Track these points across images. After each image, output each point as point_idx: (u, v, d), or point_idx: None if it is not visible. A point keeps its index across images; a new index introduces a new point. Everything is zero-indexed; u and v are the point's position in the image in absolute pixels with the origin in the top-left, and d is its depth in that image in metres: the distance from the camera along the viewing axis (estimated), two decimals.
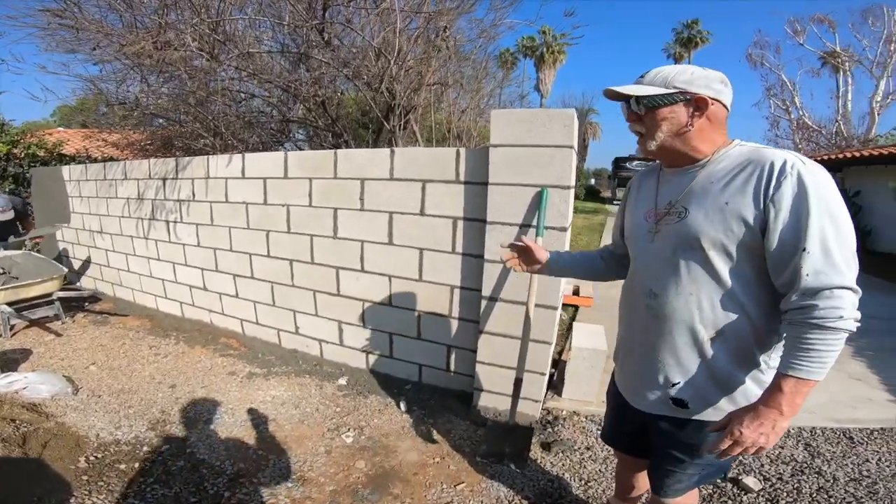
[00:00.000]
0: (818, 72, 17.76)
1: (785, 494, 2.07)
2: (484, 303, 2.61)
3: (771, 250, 0.96)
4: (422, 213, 2.81)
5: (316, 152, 3.09)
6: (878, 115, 15.82)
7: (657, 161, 1.21)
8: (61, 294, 4.07)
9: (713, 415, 1.09)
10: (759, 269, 1.01)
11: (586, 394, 2.86)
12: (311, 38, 3.88)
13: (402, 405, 2.84)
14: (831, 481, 2.16)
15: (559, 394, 2.91)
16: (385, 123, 4.05)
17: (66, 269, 4.14)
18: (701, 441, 1.12)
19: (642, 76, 1.10)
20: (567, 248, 2.48)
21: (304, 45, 3.91)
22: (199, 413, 2.75)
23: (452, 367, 2.94)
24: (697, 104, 1.03)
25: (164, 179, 3.92)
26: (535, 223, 2.44)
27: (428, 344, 2.97)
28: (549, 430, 2.58)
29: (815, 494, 2.08)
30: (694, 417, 1.12)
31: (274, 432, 2.56)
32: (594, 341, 2.90)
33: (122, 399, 2.90)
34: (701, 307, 1.05)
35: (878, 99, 15.73)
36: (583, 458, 2.34)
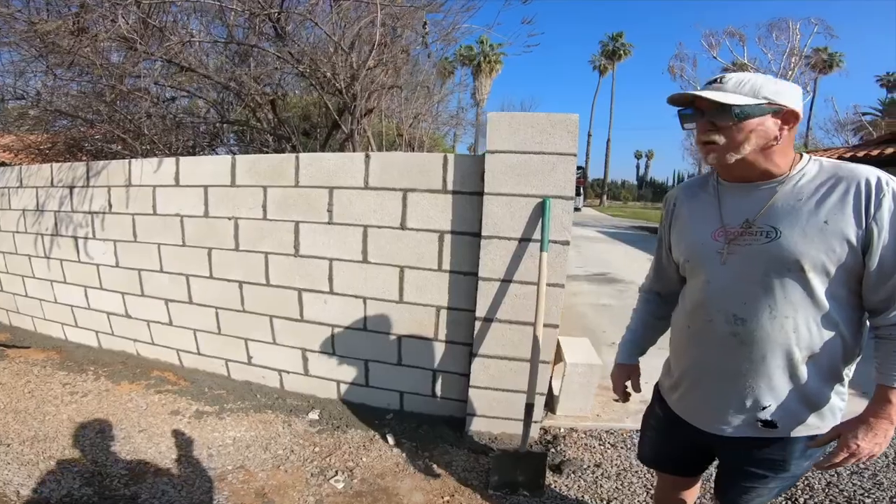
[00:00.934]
0: None
1: (800, 492, 2.03)
2: (478, 324, 2.29)
3: (871, 269, 0.93)
4: (403, 227, 2.40)
5: (272, 156, 2.54)
6: None
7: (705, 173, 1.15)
8: None
9: (802, 431, 1.05)
10: (852, 287, 0.98)
11: (582, 409, 2.65)
12: (263, 29, 3.26)
13: (390, 438, 2.44)
14: (836, 475, 2.13)
15: (553, 411, 2.68)
16: (342, 127, 3.54)
17: None
18: (788, 456, 1.08)
19: (718, 82, 0.98)
20: (567, 260, 2.20)
21: (256, 36, 3.27)
22: (143, 463, 2.18)
23: (439, 393, 2.59)
24: (786, 117, 0.96)
25: (72, 188, 3.12)
26: (535, 236, 2.19)
27: (410, 370, 2.58)
28: (553, 450, 2.35)
29: (826, 489, 2.04)
30: (781, 436, 1.06)
31: (246, 483, 2.06)
32: (587, 356, 2.68)
33: (38, 448, 2.27)
34: (798, 330, 0.98)
35: None
36: (596, 478, 2.16)
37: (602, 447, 2.41)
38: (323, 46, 3.65)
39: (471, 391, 2.37)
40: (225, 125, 4.45)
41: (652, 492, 2.00)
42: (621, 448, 2.40)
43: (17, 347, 3.50)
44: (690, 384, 1.17)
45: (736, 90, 0.95)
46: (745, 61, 18.13)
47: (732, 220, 1.03)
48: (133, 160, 2.89)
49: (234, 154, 4.28)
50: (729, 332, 1.04)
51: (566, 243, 2.16)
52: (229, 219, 2.67)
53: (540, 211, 2.14)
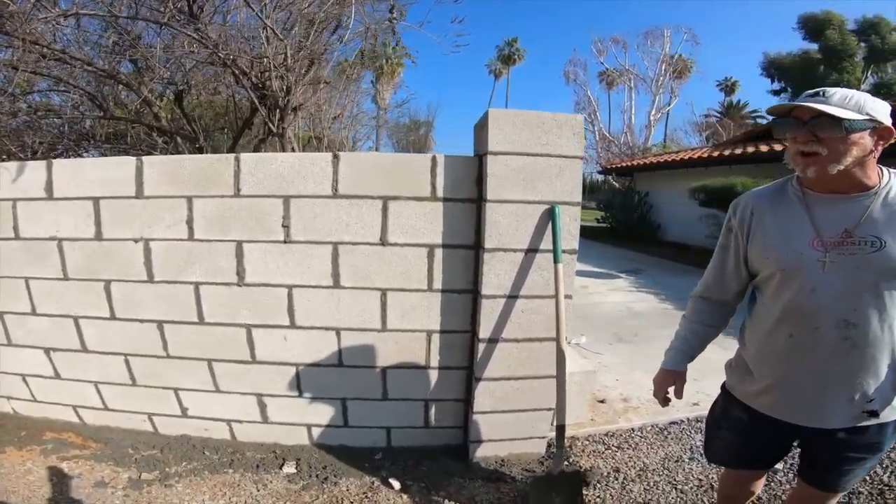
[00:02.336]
0: (611, 86, 20.21)
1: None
2: (482, 346, 1.91)
3: None
4: (384, 243, 1.86)
5: (201, 157, 1.81)
6: (653, 127, 18.76)
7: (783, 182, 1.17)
8: None
9: (890, 415, 1.10)
10: None
11: (578, 417, 2.42)
12: (176, 4, 2.33)
13: (394, 482, 1.96)
14: None
15: (551, 422, 2.37)
16: (271, 126, 2.76)
17: None
18: (883, 438, 1.14)
19: (821, 95, 1.00)
20: (574, 269, 1.88)
21: (169, 14, 2.33)
22: None
23: (433, 423, 2.16)
24: (882, 133, 0.99)
25: None
26: (542, 247, 1.85)
27: (398, 403, 2.11)
28: (566, 462, 2.11)
29: None
30: (880, 422, 1.12)
31: None
32: (581, 364, 2.40)
33: None
34: None
35: (653, 112, 18.60)
36: (622, 483, 2.00)
37: (610, 451, 2.24)
38: (241, 32, 2.84)
39: (475, 417, 2.01)
40: (96, 123, 3.37)
41: (679, 486, 1.96)
42: (627, 449, 2.24)
43: None
44: (791, 387, 1.16)
45: (843, 105, 0.96)
46: (628, 67, 19.32)
47: (829, 229, 1.04)
48: None
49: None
50: (840, 336, 1.04)
51: (574, 252, 1.88)
52: (136, 241, 1.88)
53: (548, 219, 1.82)
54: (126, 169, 1.81)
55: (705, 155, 8.85)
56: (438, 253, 1.88)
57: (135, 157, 1.83)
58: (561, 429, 1.82)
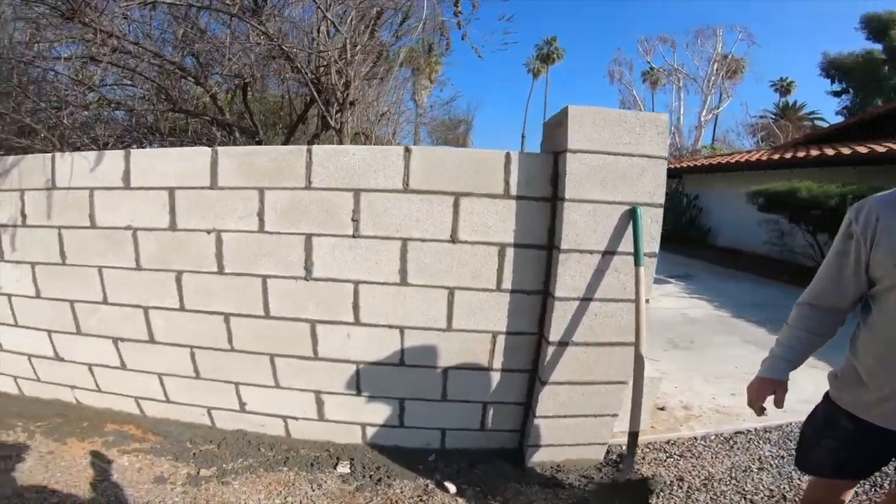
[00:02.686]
0: (655, 85, 19.76)
1: None
2: (550, 349, 1.84)
3: None
4: (453, 240, 1.82)
5: (274, 148, 1.83)
6: (703, 127, 18.17)
7: None
8: None
9: None
10: None
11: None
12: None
13: (450, 485, 1.93)
14: None
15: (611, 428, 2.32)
16: (330, 120, 2.78)
17: None
18: None
19: None
20: (653, 274, 1.80)
21: (238, 5, 2.39)
22: None
23: (489, 426, 2.11)
24: None
25: None
26: (619, 249, 1.77)
27: (457, 404, 2.07)
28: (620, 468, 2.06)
29: None
30: None
31: None
32: (647, 370, 2.30)
33: None
34: None
35: (704, 113, 18.01)
36: (686, 492, 1.95)
37: (672, 460, 2.17)
38: (299, 25, 2.89)
39: (536, 421, 1.96)
40: (159, 117, 3.49)
41: (749, 496, 1.92)
42: (690, 457, 2.17)
43: None
44: None
45: None
46: (677, 66, 18.78)
47: None
48: (58, 154, 1.99)
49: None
50: None
51: (654, 256, 1.80)
52: (208, 232, 1.91)
53: (627, 220, 1.74)
54: (202, 159, 1.84)
55: (764, 158, 8.43)
56: (509, 252, 1.83)
57: (210, 148, 1.86)
58: (634, 436, 1.76)
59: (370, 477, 1.99)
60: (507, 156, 1.77)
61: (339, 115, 2.82)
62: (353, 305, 1.91)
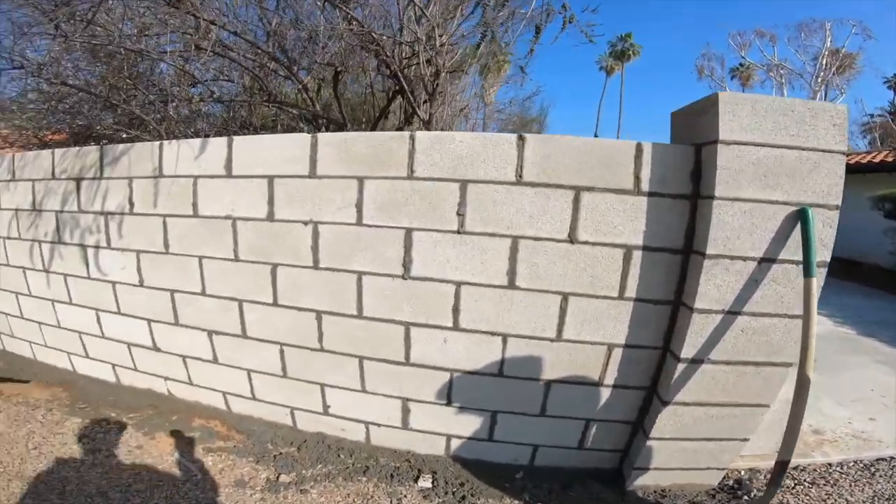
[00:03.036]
0: (746, 82, 18.43)
1: None
2: (680, 366, 1.60)
3: None
4: (571, 240, 1.62)
5: (373, 134, 1.72)
6: None
7: None
8: None
9: None
10: None
11: (763, 447, 2.08)
12: None
13: None
14: None
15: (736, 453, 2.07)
16: (417, 112, 2.68)
17: None
18: None
19: None
20: (821, 286, 1.50)
21: None
22: None
23: (588, 444, 1.90)
24: None
25: (79, 180, 2.26)
26: (780, 256, 1.49)
27: (555, 420, 1.87)
28: (745, 497, 1.87)
29: None
30: None
31: None
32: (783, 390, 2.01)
33: None
34: None
35: None
36: None
37: (802, 487, 1.97)
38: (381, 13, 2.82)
39: (648, 443, 1.76)
40: (252, 111, 3.60)
41: None
42: (824, 485, 1.98)
43: (13, 381, 2.65)
44: None
45: None
46: (778, 61, 17.25)
47: None
48: (165, 142, 2.03)
49: None
50: None
51: (825, 265, 1.48)
52: (305, 223, 1.84)
53: (793, 224, 1.46)
54: (301, 146, 1.78)
55: (890, 159, 7.38)
56: (636, 255, 1.60)
57: (309, 134, 1.80)
58: (784, 465, 1.52)
59: (453, 493, 1.85)
60: (639, 147, 1.54)
61: (426, 105, 2.71)
62: (453, 309, 1.77)
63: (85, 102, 3.11)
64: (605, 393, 1.79)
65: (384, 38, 2.59)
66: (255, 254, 1.95)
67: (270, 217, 1.88)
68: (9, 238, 2.60)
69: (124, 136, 2.55)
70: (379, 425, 2.06)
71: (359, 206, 1.76)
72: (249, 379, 2.21)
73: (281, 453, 2.11)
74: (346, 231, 1.79)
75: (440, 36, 2.73)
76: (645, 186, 1.56)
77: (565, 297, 1.66)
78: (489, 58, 3.54)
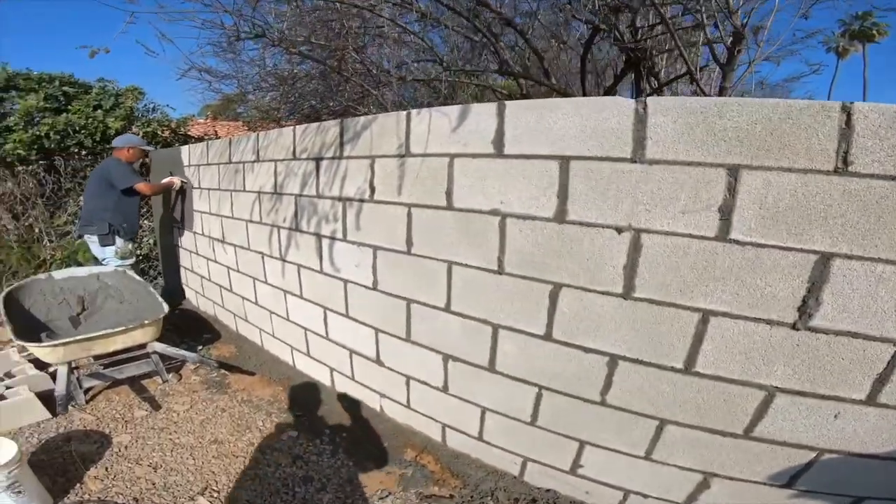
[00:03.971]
0: None
1: None
2: None
3: None
4: None
5: (767, 102, 1.12)
6: None
7: None
8: (158, 348, 2.46)
9: None
10: None
11: None
12: None
13: None
14: None
15: None
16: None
17: (166, 309, 2.51)
18: None
19: None
20: None
21: None
22: None
23: None
24: None
25: (318, 160, 2.08)
26: None
27: None
28: None
29: None
30: None
31: None
32: None
33: None
34: None
35: None
36: None
37: None
38: None
39: None
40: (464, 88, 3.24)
41: None
42: None
43: (240, 372, 2.72)
44: None
45: None
46: None
47: None
48: (414, 111, 1.66)
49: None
50: None
51: None
52: (619, 231, 1.26)
53: None
54: (619, 113, 1.20)
55: None
56: None
57: (633, 100, 1.20)
58: None
59: None
60: None
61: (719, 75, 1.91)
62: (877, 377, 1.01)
63: (314, 79, 3.09)
64: None
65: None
66: (527, 266, 1.44)
67: (560, 216, 1.34)
68: (251, 221, 2.62)
69: (361, 110, 2.37)
70: (646, 496, 1.47)
71: (726, 212, 1.10)
72: (482, 418, 1.78)
73: None
74: (697, 248, 1.15)
75: None
76: None
77: None
78: None
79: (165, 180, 3.28)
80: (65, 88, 4.35)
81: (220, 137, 4.33)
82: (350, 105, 2.74)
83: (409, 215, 1.72)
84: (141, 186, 3.10)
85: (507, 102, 1.43)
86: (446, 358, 1.78)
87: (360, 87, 2.59)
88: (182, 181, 3.28)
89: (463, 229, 1.56)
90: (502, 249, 1.48)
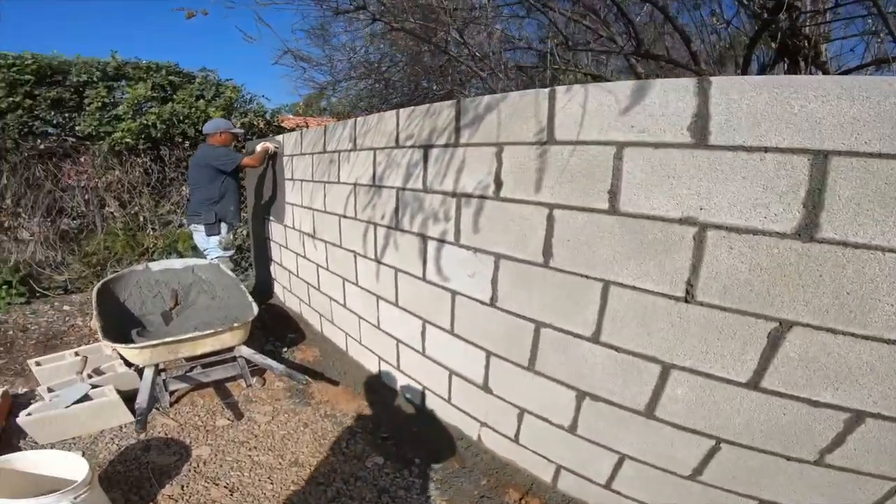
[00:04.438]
0: None
1: None
2: None
3: None
4: None
5: None
6: None
7: None
8: (245, 353, 2.31)
9: None
10: None
11: None
12: None
13: None
14: None
15: None
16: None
17: (255, 311, 2.36)
18: None
19: None
20: None
21: None
22: None
23: None
24: None
25: (427, 148, 1.79)
26: None
27: None
28: None
29: None
30: None
31: None
32: None
33: None
34: None
35: None
36: None
37: None
38: None
39: None
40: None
41: None
42: None
43: (325, 380, 2.51)
44: None
45: None
46: None
47: None
48: (560, 88, 1.31)
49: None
50: None
51: None
52: (884, 251, 0.84)
53: None
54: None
55: None
56: None
57: None
58: None
59: None
60: None
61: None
62: None
63: (407, 65, 2.86)
64: None
65: None
66: (736, 295, 1.04)
67: (807, 232, 0.94)
68: (344, 216, 2.39)
69: (466, 92, 2.09)
70: None
71: None
72: (617, 466, 1.39)
73: None
74: None
75: None
76: None
77: None
78: None
79: (260, 147, 3.20)
80: (171, 78, 4.48)
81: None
82: (455, 88, 2.46)
83: (551, 218, 1.36)
84: (247, 161, 3.09)
85: (713, 78, 1.04)
86: (582, 395, 1.41)
87: (464, 71, 2.30)
88: (275, 146, 3.20)
89: (632, 241, 1.18)
90: (695, 270, 1.08)
